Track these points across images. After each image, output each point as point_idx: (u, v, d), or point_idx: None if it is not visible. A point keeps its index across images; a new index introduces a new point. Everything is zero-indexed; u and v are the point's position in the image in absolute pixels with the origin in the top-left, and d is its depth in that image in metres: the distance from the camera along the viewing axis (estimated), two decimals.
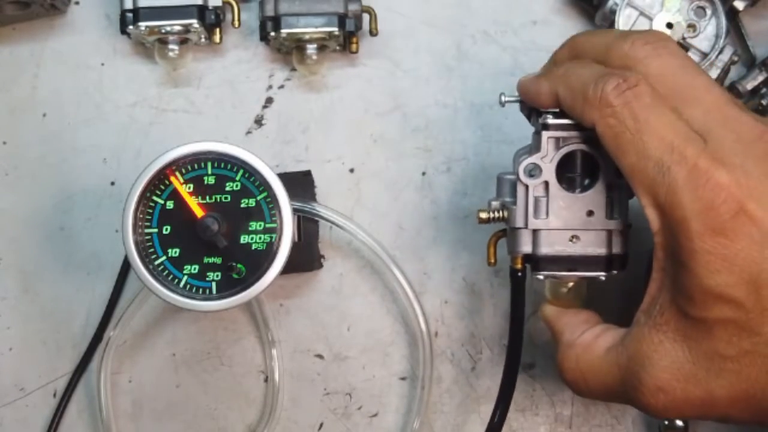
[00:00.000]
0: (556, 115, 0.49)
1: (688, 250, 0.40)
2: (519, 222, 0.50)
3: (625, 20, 0.59)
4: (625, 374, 0.44)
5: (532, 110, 0.51)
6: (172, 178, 0.52)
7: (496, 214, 0.51)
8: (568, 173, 0.50)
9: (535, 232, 0.49)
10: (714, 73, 0.59)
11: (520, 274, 0.51)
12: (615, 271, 0.50)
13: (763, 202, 0.40)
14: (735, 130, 0.41)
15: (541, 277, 0.50)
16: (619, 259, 0.50)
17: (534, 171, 0.49)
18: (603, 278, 0.50)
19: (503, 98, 0.52)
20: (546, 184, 0.49)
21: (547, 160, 0.49)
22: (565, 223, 0.49)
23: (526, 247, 0.50)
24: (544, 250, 0.49)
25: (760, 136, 0.41)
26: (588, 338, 0.47)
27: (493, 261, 0.53)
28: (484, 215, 0.51)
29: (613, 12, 0.59)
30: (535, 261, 0.50)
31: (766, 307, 0.40)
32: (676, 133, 0.41)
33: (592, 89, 0.44)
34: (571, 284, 0.52)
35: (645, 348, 0.43)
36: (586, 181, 0.50)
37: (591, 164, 0.50)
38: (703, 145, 0.41)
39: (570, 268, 0.50)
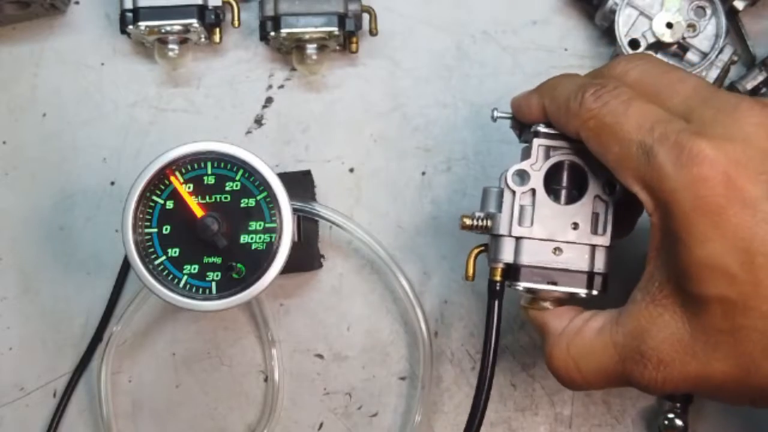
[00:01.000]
0: (548, 125, 0.49)
1: (681, 222, 0.41)
2: (503, 229, 0.49)
3: (625, 20, 0.59)
4: (623, 351, 0.44)
5: (522, 127, 0.51)
6: (172, 178, 0.52)
7: (480, 222, 0.50)
8: (556, 185, 0.50)
9: (518, 240, 0.49)
10: (714, 73, 0.59)
11: (498, 286, 0.50)
12: (595, 292, 0.49)
13: (750, 168, 0.40)
14: (714, 105, 0.42)
15: (520, 287, 0.50)
16: (600, 277, 0.49)
17: (522, 178, 0.49)
18: (583, 296, 0.49)
19: (495, 113, 0.52)
20: (533, 192, 0.49)
21: (536, 167, 0.49)
22: (549, 234, 0.49)
23: (507, 256, 0.49)
24: (526, 259, 0.49)
25: (738, 104, 0.42)
26: (578, 323, 0.47)
27: (471, 275, 0.52)
28: (467, 221, 0.50)
29: (613, 12, 0.59)
30: (515, 270, 0.49)
31: (759, 277, 0.40)
32: (656, 118, 0.42)
33: (573, 100, 0.45)
34: (548, 303, 0.50)
35: (643, 322, 0.43)
36: (573, 194, 0.50)
37: (580, 178, 0.49)
38: (684, 124, 0.42)
39: (550, 281, 0.49)
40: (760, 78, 0.60)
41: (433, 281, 0.62)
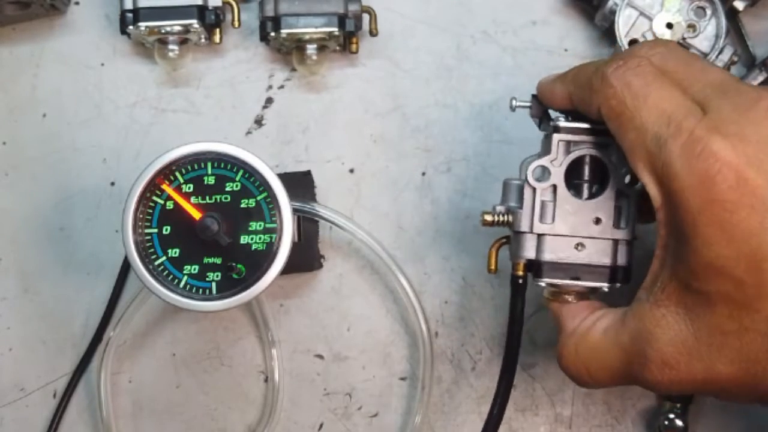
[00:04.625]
0: (568, 119, 0.49)
1: (688, 222, 0.40)
2: (524, 226, 0.49)
3: (625, 20, 0.59)
4: (629, 352, 0.44)
5: (543, 116, 0.51)
6: (164, 186, 0.52)
7: (501, 218, 0.50)
8: (577, 179, 0.49)
9: (539, 237, 0.49)
10: None
11: (521, 281, 0.50)
12: (618, 284, 0.49)
13: (763, 169, 0.39)
14: (732, 99, 0.41)
15: (543, 284, 0.50)
16: (623, 270, 0.49)
17: (542, 174, 0.49)
18: (606, 290, 0.49)
19: (514, 103, 0.51)
20: (554, 187, 0.49)
21: (557, 163, 0.49)
22: (571, 230, 0.49)
23: (529, 252, 0.49)
24: (548, 256, 0.49)
25: (757, 100, 0.41)
26: (586, 324, 0.47)
27: (493, 268, 0.52)
28: (488, 218, 0.50)
29: (613, 12, 0.59)
30: (537, 267, 0.49)
31: (765, 283, 0.39)
32: (675, 106, 0.42)
33: (595, 77, 0.45)
34: (570, 298, 0.50)
35: (647, 324, 0.43)
36: (595, 189, 0.49)
37: (601, 171, 0.49)
38: (700, 115, 0.41)
39: (573, 276, 0.49)
40: (760, 78, 0.60)
41: (433, 281, 0.62)
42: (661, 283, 0.43)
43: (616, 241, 0.49)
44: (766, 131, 0.40)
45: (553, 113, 0.50)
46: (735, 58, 0.59)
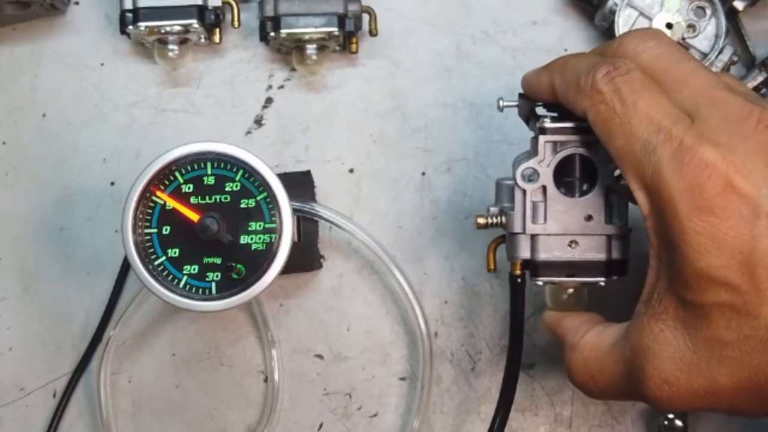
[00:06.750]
0: (554, 119, 0.49)
1: (677, 231, 0.40)
2: (517, 227, 0.49)
3: (624, 20, 0.59)
4: (630, 368, 0.43)
5: (530, 114, 0.51)
6: (158, 193, 0.52)
7: (495, 220, 0.51)
8: (567, 178, 0.49)
9: (533, 237, 0.49)
10: None
11: (519, 280, 0.51)
12: (615, 277, 0.49)
13: (751, 178, 0.39)
14: (722, 110, 0.41)
15: (540, 282, 0.50)
16: (618, 264, 0.49)
17: (532, 175, 0.49)
18: (603, 284, 0.49)
19: (501, 103, 0.52)
20: (544, 188, 0.49)
21: (545, 164, 0.49)
22: (563, 228, 0.49)
23: (524, 253, 0.49)
24: (543, 255, 0.49)
25: (748, 115, 0.41)
26: (592, 337, 0.47)
27: (492, 267, 0.52)
28: (482, 221, 0.51)
29: (612, 12, 0.59)
30: (533, 267, 0.49)
31: (762, 288, 0.39)
32: (664, 114, 0.41)
33: (584, 78, 0.44)
34: (571, 290, 0.52)
35: (646, 339, 0.42)
36: (585, 186, 0.50)
37: (589, 169, 0.49)
38: (689, 123, 0.41)
39: (569, 273, 0.49)
40: (760, 78, 0.60)
41: (433, 281, 0.62)
42: (657, 295, 0.42)
43: (609, 236, 0.49)
44: (754, 144, 0.40)
45: (540, 111, 0.50)
46: (735, 58, 0.59)
